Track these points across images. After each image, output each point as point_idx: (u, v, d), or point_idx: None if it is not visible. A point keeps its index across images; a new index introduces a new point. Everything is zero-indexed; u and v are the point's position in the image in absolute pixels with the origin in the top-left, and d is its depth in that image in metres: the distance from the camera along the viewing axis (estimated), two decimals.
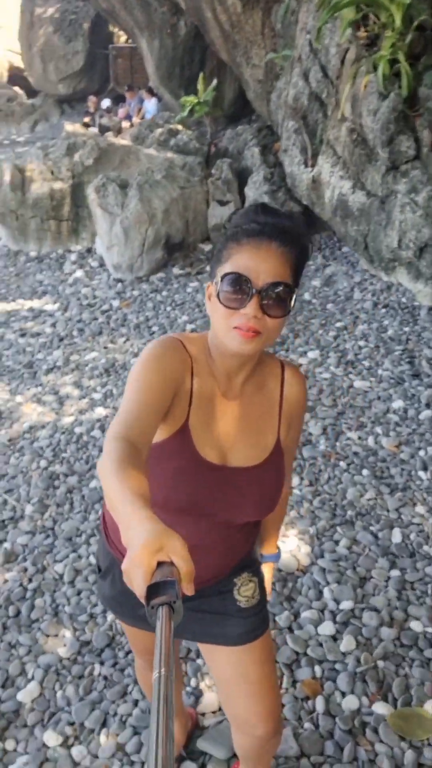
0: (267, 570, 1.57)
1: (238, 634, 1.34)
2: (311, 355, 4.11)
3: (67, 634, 2.29)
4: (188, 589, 0.70)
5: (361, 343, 4.20)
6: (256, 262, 1.06)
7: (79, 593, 2.46)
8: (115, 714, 2.02)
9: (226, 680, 1.40)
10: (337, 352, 4.11)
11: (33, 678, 2.14)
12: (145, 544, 0.70)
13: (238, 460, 1.22)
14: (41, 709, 2.04)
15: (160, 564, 0.70)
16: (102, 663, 2.18)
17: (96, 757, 1.90)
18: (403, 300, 4.63)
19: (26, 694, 2.08)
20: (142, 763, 1.87)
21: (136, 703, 2.05)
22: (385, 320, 4.44)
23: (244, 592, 1.36)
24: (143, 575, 0.68)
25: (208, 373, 1.20)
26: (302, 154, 5.68)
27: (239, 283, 1.06)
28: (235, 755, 1.81)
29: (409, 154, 4.29)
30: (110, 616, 2.34)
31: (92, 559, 2.61)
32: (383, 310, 4.57)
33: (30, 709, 2.04)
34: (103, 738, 1.94)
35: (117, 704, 2.04)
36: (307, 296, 4.99)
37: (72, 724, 1.99)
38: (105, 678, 2.13)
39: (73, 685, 2.11)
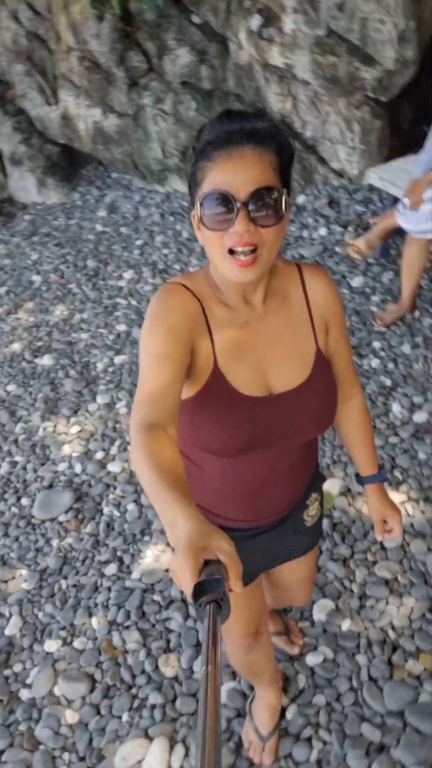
0: (376, 493, 1.47)
1: (300, 549, 1.47)
2: (126, 275, 4.43)
3: (23, 572, 2.55)
4: (236, 586, 0.70)
5: (165, 251, 4.59)
6: (233, 172, 0.97)
7: (17, 539, 2.69)
8: (96, 605, 2.35)
9: (275, 580, 1.64)
10: (149, 266, 4.47)
11: (11, 615, 2.39)
12: (191, 543, 0.70)
13: (282, 385, 1.15)
14: (31, 632, 2.32)
15: (207, 562, 0.70)
16: (65, 577, 2.48)
17: (95, 639, 2.23)
18: (184, 203, 5.05)
19: (12, 627, 2.34)
20: (136, 624, 2.24)
21: (109, 589, 2.39)
22: (176, 225, 4.84)
23: (311, 512, 1.39)
24: (190, 574, 0.68)
25: (223, 307, 1.12)
26: (41, 94, 5.73)
27: (220, 200, 0.97)
28: None
29: (143, 68, 4.59)
30: (56, 543, 2.62)
31: (15, 510, 2.84)
32: (171, 218, 4.97)
33: (21, 636, 2.31)
34: (95, 623, 2.28)
35: (93, 598, 2.37)
36: (98, 227, 5.24)
37: (64, 627, 2.30)
38: (74, 586, 2.44)
39: (50, 603, 2.40)
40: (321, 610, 2.11)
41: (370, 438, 1.43)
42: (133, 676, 2.08)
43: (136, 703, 2.01)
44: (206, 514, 1.29)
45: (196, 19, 4.24)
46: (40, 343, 3.89)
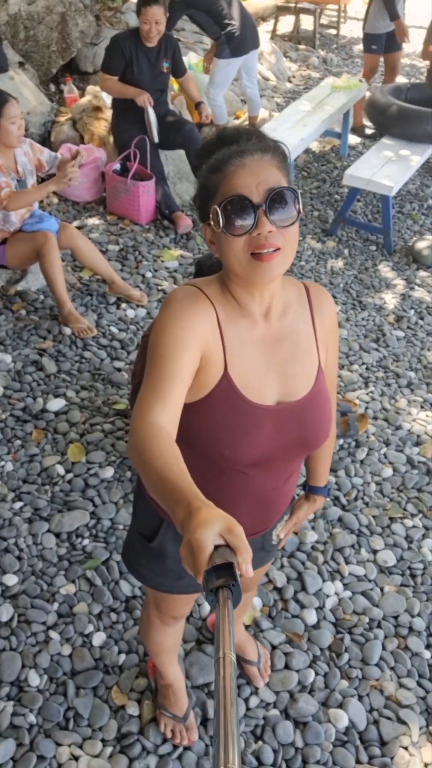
0: (315, 503, 1.55)
1: (261, 563, 1.51)
2: None
3: None
4: (247, 571, 0.69)
5: None
6: (247, 178, 1.00)
7: None
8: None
9: None
10: None
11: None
12: (201, 528, 0.70)
13: (287, 396, 1.16)
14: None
15: (216, 548, 0.69)
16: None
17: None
18: None
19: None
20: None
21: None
22: None
23: (278, 530, 1.45)
24: (201, 560, 0.68)
25: (235, 314, 1.12)
26: None
27: (238, 203, 0.99)
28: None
29: None
30: None
31: None
32: None
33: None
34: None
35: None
36: None
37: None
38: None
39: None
40: None
41: (330, 455, 1.50)
42: None
43: None
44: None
45: None
46: None
